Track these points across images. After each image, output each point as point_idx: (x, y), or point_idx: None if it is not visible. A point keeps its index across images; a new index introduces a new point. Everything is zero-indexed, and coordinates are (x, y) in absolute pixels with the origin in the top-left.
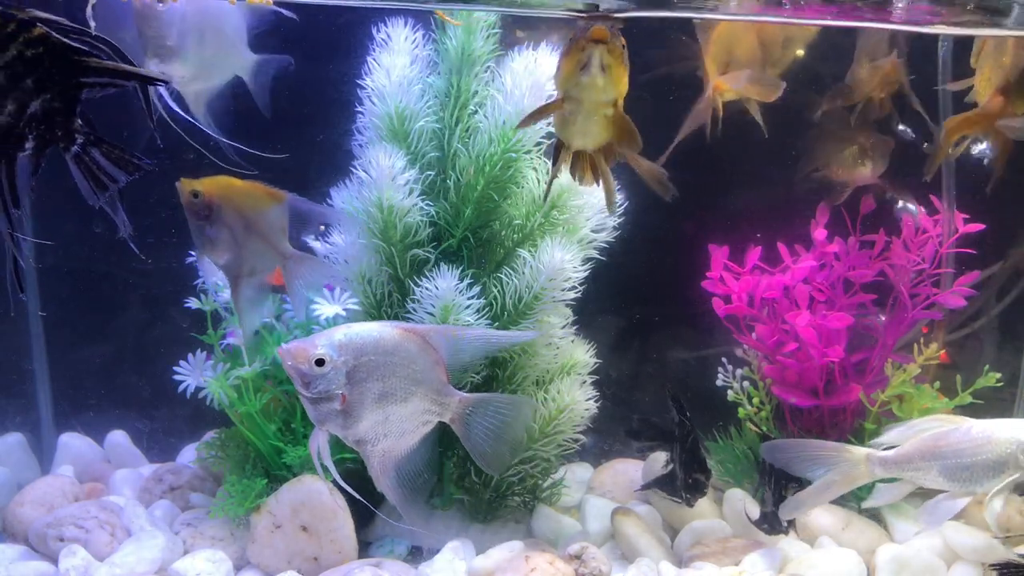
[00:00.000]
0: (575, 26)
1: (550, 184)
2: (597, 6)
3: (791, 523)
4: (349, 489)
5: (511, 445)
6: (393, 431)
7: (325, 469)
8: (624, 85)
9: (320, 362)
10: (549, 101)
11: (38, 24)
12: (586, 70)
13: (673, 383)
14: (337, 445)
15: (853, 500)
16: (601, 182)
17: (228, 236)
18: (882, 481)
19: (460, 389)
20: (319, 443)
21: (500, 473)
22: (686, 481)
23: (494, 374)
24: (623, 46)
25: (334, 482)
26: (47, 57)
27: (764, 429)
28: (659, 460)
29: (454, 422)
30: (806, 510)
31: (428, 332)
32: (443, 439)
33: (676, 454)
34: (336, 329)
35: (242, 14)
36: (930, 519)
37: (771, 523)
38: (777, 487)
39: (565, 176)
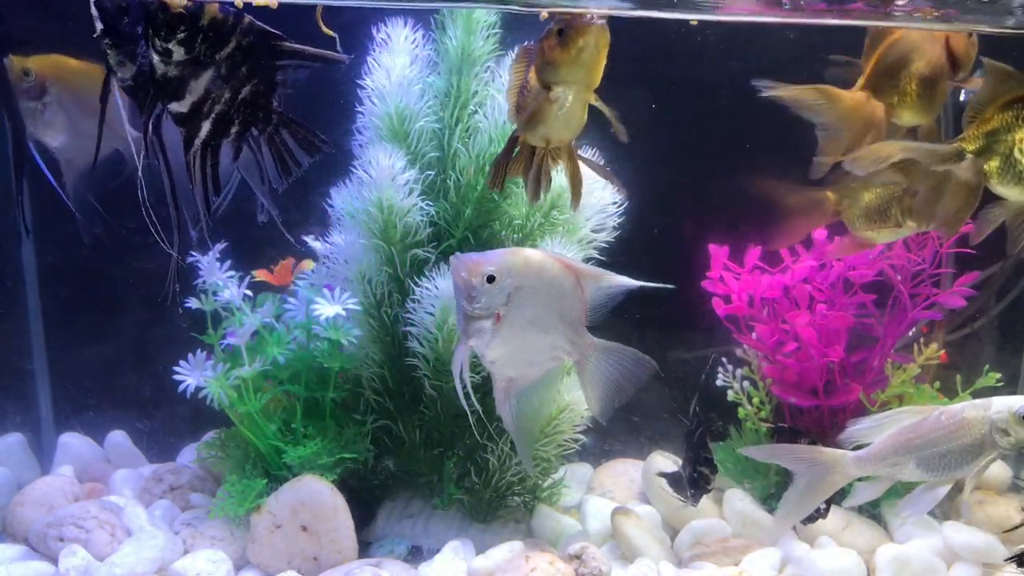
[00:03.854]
0: (554, 19)
1: (503, 177)
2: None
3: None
4: (476, 404)
5: (623, 396)
6: (527, 359)
7: (466, 394)
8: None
9: (491, 279)
10: (537, 95)
11: (244, 13)
12: (589, 52)
13: (669, 381)
14: (338, 447)
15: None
16: (571, 176)
17: (63, 118)
18: (859, 480)
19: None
20: (462, 358)
21: (605, 419)
22: (692, 476)
23: None
24: None
25: (466, 394)
26: (256, 44)
27: (768, 420)
28: (659, 460)
29: (579, 363)
30: (794, 521)
31: (581, 271)
32: (443, 439)
33: (684, 450)
34: (505, 250)
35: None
36: (914, 509)
37: (682, 491)
38: (691, 463)
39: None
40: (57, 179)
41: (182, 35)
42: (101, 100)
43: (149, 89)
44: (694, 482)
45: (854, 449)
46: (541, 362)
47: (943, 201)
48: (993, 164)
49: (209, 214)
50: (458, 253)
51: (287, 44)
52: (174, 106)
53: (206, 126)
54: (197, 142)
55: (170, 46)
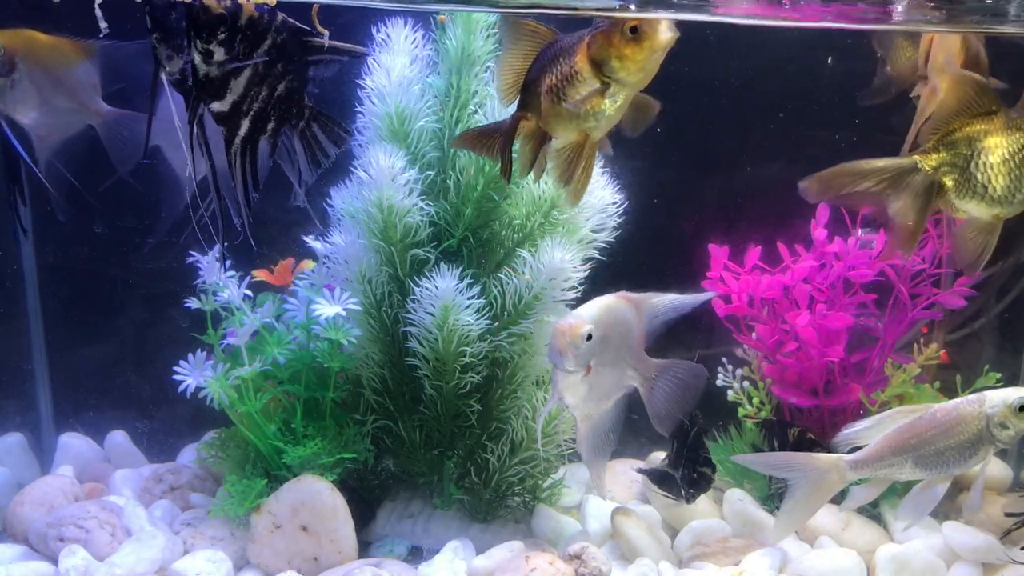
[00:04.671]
0: (602, 20)
1: (509, 167)
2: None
3: (694, 494)
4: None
5: (684, 408)
6: (605, 396)
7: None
8: None
9: (588, 337)
10: (591, 89)
11: (277, 11)
12: (658, 55)
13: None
14: (338, 447)
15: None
16: (584, 174)
17: (33, 94)
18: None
19: (460, 389)
20: (546, 412)
21: (667, 432)
22: (690, 477)
23: (494, 374)
24: None
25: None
26: (290, 41)
27: (763, 415)
28: (659, 459)
29: (642, 385)
30: (793, 529)
31: (639, 301)
32: (443, 439)
33: (675, 449)
34: (589, 304)
35: (95, 67)
36: (914, 512)
37: (672, 489)
38: (690, 464)
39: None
40: (31, 156)
41: (222, 36)
42: (151, 96)
43: (191, 89)
44: (693, 482)
45: (850, 451)
46: (615, 393)
47: (899, 214)
48: (951, 179)
49: (250, 210)
50: (557, 321)
51: (317, 39)
52: (216, 105)
53: (245, 124)
54: (237, 140)
55: (211, 47)
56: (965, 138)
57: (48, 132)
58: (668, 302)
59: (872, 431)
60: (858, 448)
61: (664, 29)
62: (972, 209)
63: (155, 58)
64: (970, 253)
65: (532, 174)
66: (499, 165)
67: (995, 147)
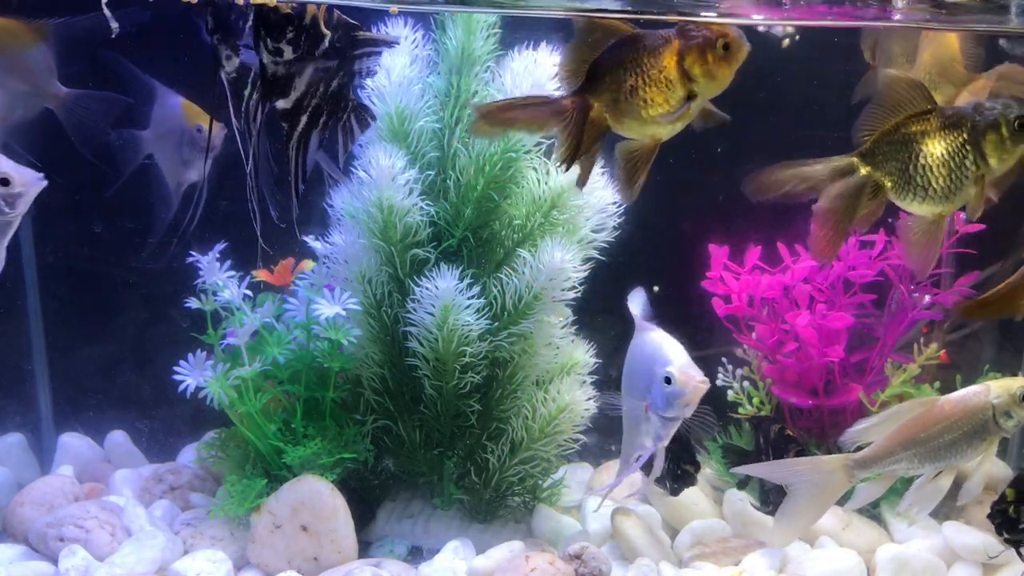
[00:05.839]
0: (679, 29)
1: (575, 153)
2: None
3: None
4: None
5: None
6: None
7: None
8: None
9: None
10: (680, 102)
11: (333, 8)
12: (735, 70)
13: None
14: (338, 447)
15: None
16: (640, 174)
17: None
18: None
19: (460, 389)
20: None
21: None
22: (675, 472)
23: (494, 374)
24: None
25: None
26: (344, 38)
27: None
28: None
29: None
30: (797, 535)
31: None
32: (443, 439)
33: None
34: (674, 346)
35: (50, 49)
36: (919, 507)
37: (662, 483)
38: (676, 460)
39: (565, 176)
40: None
41: (290, 34)
42: (215, 94)
43: (248, 85)
44: (676, 477)
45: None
46: None
47: (829, 213)
48: (890, 180)
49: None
50: (692, 373)
51: (364, 34)
52: (280, 103)
53: (303, 119)
54: (295, 135)
55: (281, 45)
56: (901, 139)
57: (4, 115)
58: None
59: (879, 428)
60: (860, 448)
61: (744, 46)
62: (913, 209)
63: (215, 57)
64: (918, 253)
65: (580, 167)
66: (558, 152)
67: (931, 148)
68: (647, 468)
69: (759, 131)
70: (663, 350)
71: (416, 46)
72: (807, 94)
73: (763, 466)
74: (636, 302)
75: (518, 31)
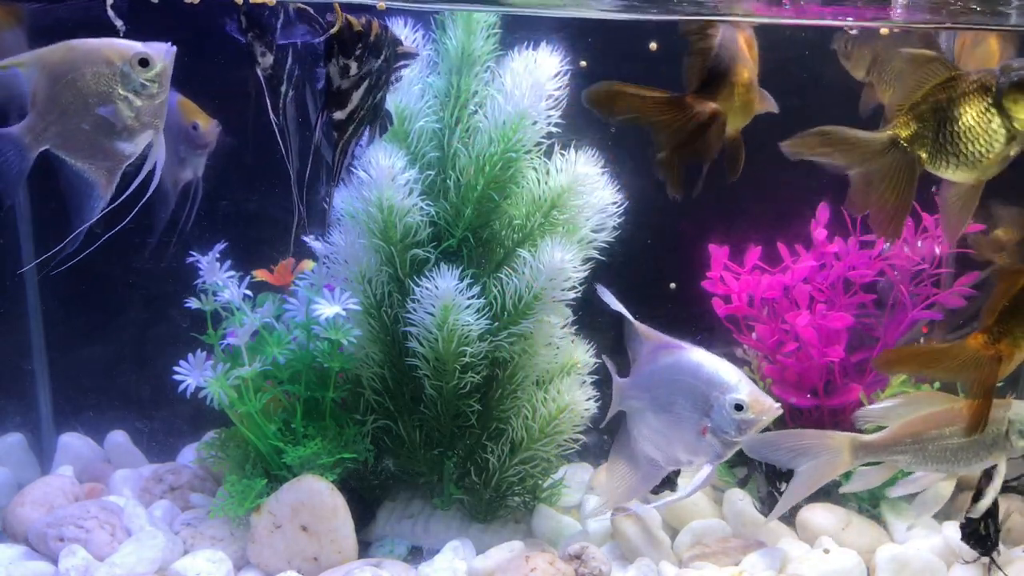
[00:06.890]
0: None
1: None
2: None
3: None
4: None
5: None
6: None
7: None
8: None
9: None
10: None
11: (386, 25)
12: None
13: None
14: (338, 447)
15: (854, 500)
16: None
17: None
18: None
19: (460, 389)
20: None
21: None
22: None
23: (494, 374)
24: None
25: None
26: (392, 51)
27: None
28: None
29: None
30: (795, 501)
31: None
32: (443, 439)
33: None
34: (734, 370)
35: (23, 32)
36: (921, 511)
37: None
38: (772, 479)
39: (565, 176)
40: None
41: (359, 51)
42: (255, 91)
43: (283, 82)
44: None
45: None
46: None
47: (879, 196)
48: (924, 151)
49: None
50: (767, 405)
51: (408, 46)
52: (337, 114)
53: (351, 128)
54: (342, 143)
55: (349, 62)
56: (929, 109)
57: None
58: None
59: (898, 411)
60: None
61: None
62: (949, 176)
63: (250, 55)
64: (952, 217)
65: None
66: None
67: (959, 113)
68: (662, 483)
69: (759, 131)
70: (721, 375)
71: (416, 45)
72: (808, 94)
73: (772, 435)
74: (610, 299)
75: (518, 31)
